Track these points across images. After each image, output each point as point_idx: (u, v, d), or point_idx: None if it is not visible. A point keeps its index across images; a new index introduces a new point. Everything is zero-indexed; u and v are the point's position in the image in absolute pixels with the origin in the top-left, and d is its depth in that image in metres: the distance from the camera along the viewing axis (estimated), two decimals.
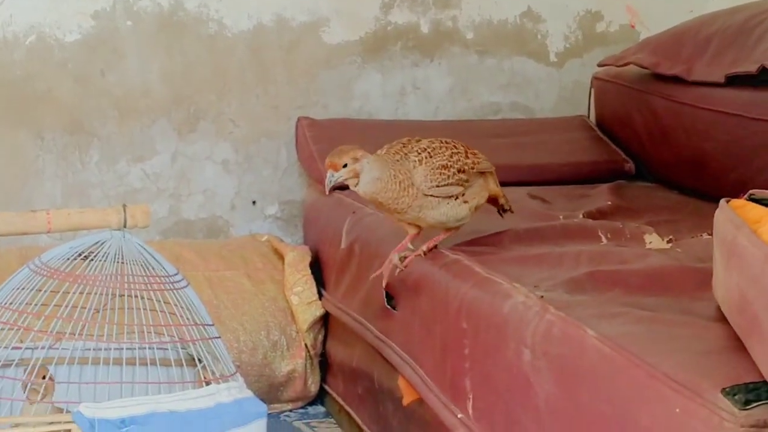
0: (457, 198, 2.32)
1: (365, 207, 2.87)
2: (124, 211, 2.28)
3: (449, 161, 2.31)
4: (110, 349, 2.34)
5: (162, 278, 2.26)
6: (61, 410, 2.16)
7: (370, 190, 2.27)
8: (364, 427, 2.73)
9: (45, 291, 2.22)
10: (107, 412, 2.06)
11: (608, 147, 3.28)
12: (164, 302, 2.25)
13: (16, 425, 2.03)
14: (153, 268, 2.27)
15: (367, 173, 2.26)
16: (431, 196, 2.29)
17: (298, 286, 3.02)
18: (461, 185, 2.33)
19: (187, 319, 2.27)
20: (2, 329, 2.21)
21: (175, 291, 2.26)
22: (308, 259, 3.06)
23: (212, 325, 2.30)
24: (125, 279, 2.23)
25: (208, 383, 2.23)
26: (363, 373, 2.76)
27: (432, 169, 2.29)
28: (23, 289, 2.24)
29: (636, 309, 1.87)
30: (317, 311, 3.01)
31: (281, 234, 3.40)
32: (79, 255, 2.26)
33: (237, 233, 3.40)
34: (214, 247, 3.17)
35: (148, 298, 2.24)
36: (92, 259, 2.25)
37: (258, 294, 3.04)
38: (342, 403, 2.93)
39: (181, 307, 2.27)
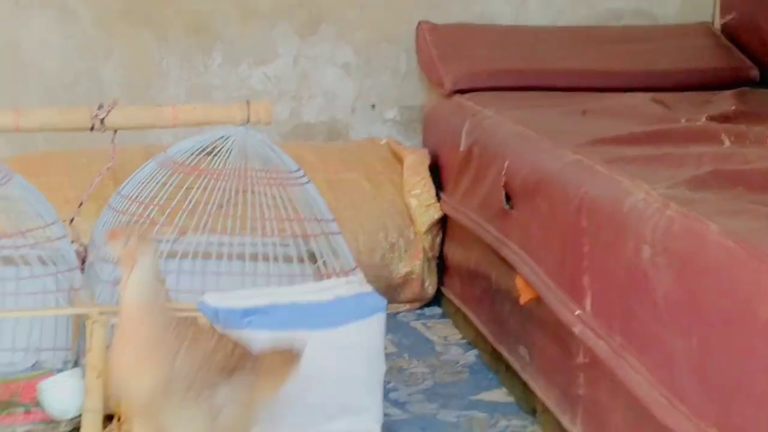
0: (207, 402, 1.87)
1: (484, 110, 2.87)
2: (248, 107, 2.31)
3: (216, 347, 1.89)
4: (233, 243, 2.39)
5: (284, 174, 2.29)
6: None
7: (141, 292, 1.84)
8: (481, 327, 2.75)
9: (170, 185, 2.27)
10: (231, 302, 2.11)
11: (733, 53, 3.23)
12: (286, 198, 2.28)
13: None
14: (275, 164, 2.30)
15: (145, 271, 1.84)
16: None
17: (417, 188, 3.04)
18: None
19: (308, 214, 2.30)
20: (129, 221, 2.26)
21: (297, 186, 2.29)
22: (427, 162, 3.08)
23: (333, 220, 2.33)
24: (248, 174, 2.27)
25: (328, 278, 2.27)
26: (480, 273, 2.78)
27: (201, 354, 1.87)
28: (149, 183, 2.29)
29: (760, 206, 1.85)
30: (435, 213, 3.03)
31: (400, 138, 3.41)
32: (204, 150, 2.30)
33: (356, 136, 3.41)
34: (334, 149, 3.20)
35: (270, 195, 2.27)
36: (216, 155, 2.29)
37: (377, 196, 3.07)
38: (458, 304, 2.95)
39: (302, 203, 2.30)
